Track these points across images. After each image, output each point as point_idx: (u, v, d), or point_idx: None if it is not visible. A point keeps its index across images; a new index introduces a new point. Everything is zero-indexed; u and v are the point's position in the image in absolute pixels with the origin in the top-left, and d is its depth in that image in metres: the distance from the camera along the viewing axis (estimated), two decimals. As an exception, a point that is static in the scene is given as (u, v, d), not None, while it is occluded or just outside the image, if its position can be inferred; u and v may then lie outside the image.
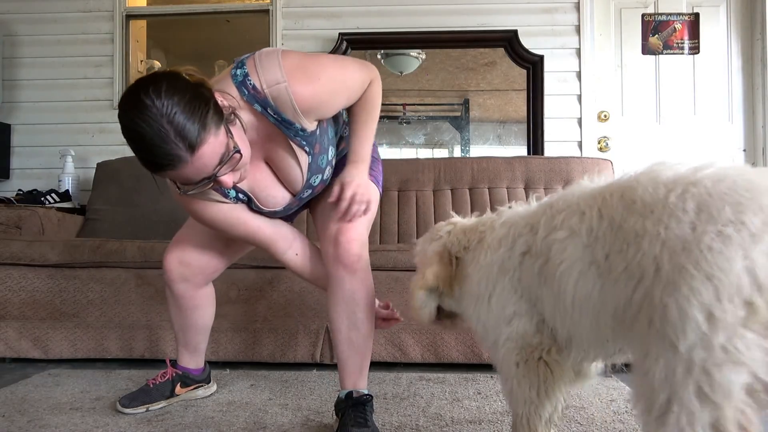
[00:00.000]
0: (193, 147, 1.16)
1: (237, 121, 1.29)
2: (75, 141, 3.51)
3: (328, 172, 1.54)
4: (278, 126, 1.38)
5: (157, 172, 1.21)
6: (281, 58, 1.34)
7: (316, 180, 1.52)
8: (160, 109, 1.13)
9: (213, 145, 1.19)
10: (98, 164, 3.22)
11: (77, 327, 2.27)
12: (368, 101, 1.51)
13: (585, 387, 1.86)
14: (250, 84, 1.32)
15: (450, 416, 1.62)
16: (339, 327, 1.50)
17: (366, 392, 1.48)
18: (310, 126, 1.41)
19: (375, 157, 1.69)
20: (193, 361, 1.81)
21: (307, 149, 1.44)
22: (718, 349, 0.72)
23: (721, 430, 0.73)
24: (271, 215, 1.56)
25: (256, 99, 1.33)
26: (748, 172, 0.81)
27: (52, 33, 3.59)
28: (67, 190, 3.31)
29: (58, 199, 3.22)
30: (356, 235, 1.49)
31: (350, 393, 1.46)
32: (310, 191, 1.54)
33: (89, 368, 2.20)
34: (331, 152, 1.53)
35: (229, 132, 1.24)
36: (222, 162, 1.23)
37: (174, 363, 1.80)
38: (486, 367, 2.18)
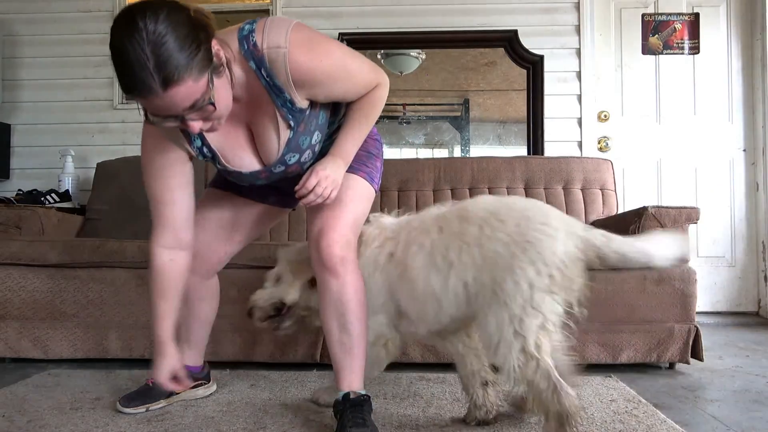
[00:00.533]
0: (167, 83, 1.13)
1: (226, 74, 1.27)
2: (75, 141, 3.51)
3: (308, 155, 1.50)
4: (268, 91, 1.36)
5: (126, 94, 1.19)
6: (291, 29, 1.33)
7: (292, 159, 1.48)
8: (150, 36, 1.11)
9: (189, 88, 1.16)
10: (98, 164, 3.22)
11: (77, 327, 2.27)
12: (369, 102, 1.50)
13: (586, 388, 1.86)
14: (252, 40, 1.31)
15: (450, 416, 1.62)
16: (330, 330, 1.49)
17: (363, 392, 1.47)
18: (300, 102, 1.39)
19: (374, 154, 1.67)
20: (192, 358, 1.80)
21: (292, 124, 1.42)
22: (529, 305, 1.24)
23: (526, 350, 1.24)
24: (236, 177, 1.52)
25: (253, 56, 1.32)
26: (537, 202, 1.40)
27: (52, 33, 3.59)
28: (67, 190, 3.31)
29: (58, 199, 3.22)
30: (337, 237, 1.45)
31: (347, 394, 1.45)
32: (282, 168, 1.50)
33: (89, 368, 2.20)
34: (317, 137, 1.49)
35: (211, 82, 1.21)
36: (194, 107, 1.20)
37: None
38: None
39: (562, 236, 1.26)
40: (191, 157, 1.49)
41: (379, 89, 1.50)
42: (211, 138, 1.43)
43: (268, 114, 1.41)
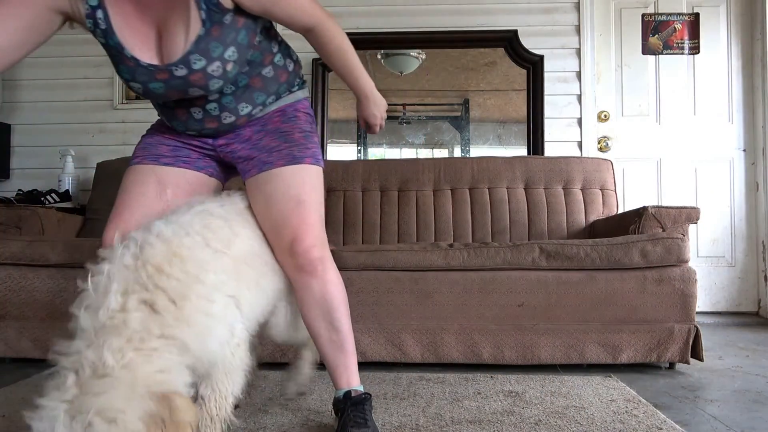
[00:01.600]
0: None
1: None
2: (75, 141, 3.51)
3: (216, 67, 1.37)
4: None
5: None
6: None
7: (197, 63, 1.35)
8: None
9: None
10: (98, 164, 3.22)
11: (77, 327, 2.27)
12: (330, 42, 1.50)
13: (585, 388, 1.86)
14: None
15: (450, 416, 1.62)
16: (318, 331, 1.47)
17: (363, 391, 1.47)
18: None
19: (310, 131, 1.58)
20: None
21: (204, 17, 1.32)
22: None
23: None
24: (130, 72, 1.37)
25: None
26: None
27: (52, 33, 3.59)
28: (67, 190, 3.31)
29: (58, 199, 3.22)
30: (313, 240, 1.42)
31: (348, 392, 1.45)
32: (184, 72, 1.35)
33: (89, 368, 2.20)
34: (231, 53, 1.38)
35: None
36: None
37: None
38: (486, 367, 2.18)
39: (247, 233, 1.43)
40: (70, 22, 1.34)
41: (327, 26, 1.48)
42: (111, 5, 1.32)
43: (181, 15, 1.32)
